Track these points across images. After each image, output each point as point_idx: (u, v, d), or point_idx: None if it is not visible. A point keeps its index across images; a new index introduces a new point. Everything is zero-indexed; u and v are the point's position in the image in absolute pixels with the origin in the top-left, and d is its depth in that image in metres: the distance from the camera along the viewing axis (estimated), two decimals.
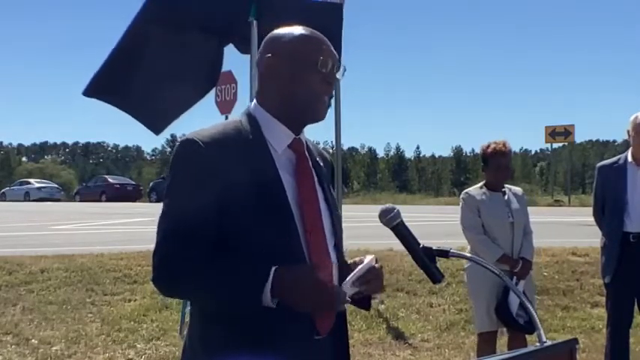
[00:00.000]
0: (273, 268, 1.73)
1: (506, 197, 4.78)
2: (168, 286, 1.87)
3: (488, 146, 4.77)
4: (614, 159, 5.10)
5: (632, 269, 4.76)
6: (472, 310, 4.94)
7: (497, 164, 4.73)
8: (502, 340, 5.01)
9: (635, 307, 4.96)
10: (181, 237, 1.78)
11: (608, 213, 4.95)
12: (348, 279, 1.83)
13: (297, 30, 1.94)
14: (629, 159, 4.89)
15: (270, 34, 1.98)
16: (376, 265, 1.88)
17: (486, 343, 4.74)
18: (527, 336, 4.73)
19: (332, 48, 1.95)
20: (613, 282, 4.89)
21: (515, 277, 4.59)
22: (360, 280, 1.84)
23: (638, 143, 4.82)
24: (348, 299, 1.81)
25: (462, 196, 4.93)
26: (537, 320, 1.89)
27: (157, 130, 5.96)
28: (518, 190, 4.96)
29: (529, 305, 2.22)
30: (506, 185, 4.87)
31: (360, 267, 1.85)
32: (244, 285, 1.75)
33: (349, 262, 1.97)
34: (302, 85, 1.89)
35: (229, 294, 1.77)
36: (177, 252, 1.77)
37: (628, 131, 4.88)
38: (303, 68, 1.89)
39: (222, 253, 1.80)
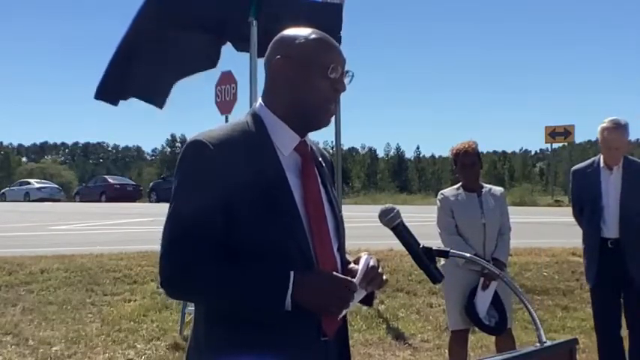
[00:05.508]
0: (292, 275, 1.74)
1: (480, 198, 4.78)
2: (178, 289, 1.86)
3: (454, 148, 4.87)
4: (588, 162, 5.01)
5: (613, 274, 4.73)
6: (445, 308, 4.98)
7: (462, 163, 4.79)
8: (473, 337, 5.01)
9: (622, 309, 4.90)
10: (191, 239, 1.76)
11: (586, 218, 4.90)
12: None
13: (309, 33, 1.91)
14: (602, 164, 4.85)
15: (280, 35, 1.94)
16: (373, 263, 1.88)
17: (458, 341, 4.81)
18: (525, 336, 4.74)
19: (342, 53, 1.93)
20: (597, 286, 4.86)
21: (482, 278, 4.58)
22: (364, 281, 1.85)
23: (606, 153, 4.79)
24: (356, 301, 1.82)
25: (437, 197, 4.98)
26: (537, 320, 1.88)
27: (160, 104, 6.19)
28: (497, 190, 4.94)
29: (531, 308, 2.20)
30: (486, 185, 4.90)
31: (360, 268, 1.85)
32: (265, 293, 1.75)
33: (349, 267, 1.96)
34: (311, 89, 1.86)
35: (249, 302, 1.76)
36: (187, 254, 1.76)
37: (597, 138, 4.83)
38: (313, 73, 1.86)
39: (233, 255, 1.79)
